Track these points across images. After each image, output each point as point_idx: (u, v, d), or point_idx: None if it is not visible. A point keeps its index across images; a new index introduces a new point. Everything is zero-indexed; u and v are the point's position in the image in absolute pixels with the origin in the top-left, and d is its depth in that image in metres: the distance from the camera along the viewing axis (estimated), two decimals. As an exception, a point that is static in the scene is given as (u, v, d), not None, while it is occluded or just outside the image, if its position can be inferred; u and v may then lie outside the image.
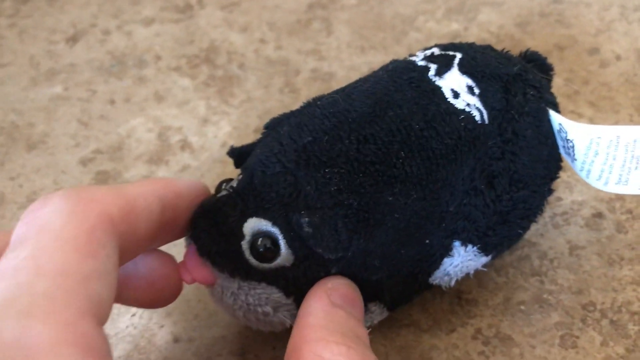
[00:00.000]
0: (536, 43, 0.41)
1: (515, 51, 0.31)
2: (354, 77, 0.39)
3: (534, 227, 0.30)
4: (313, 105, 0.28)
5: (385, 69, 0.29)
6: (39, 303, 0.18)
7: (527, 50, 0.31)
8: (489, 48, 0.30)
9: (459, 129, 0.26)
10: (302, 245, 0.24)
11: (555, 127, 0.27)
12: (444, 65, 0.28)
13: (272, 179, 0.25)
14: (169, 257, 0.27)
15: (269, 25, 0.43)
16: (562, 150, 0.28)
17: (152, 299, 0.26)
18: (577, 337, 0.28)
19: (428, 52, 0.29)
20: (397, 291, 0.27)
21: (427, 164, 0.26)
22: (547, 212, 0.32)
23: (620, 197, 0.33)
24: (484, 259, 0.28)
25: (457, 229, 0.27)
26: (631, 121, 0.36)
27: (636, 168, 0.26)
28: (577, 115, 0.37)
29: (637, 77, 0.38)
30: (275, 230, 0.25)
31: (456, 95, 0.27)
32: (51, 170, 0.36)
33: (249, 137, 0.37)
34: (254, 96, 0.39)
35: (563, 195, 0.33)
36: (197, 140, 0.37)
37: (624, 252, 0.31)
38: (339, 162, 0.25)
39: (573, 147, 0.27)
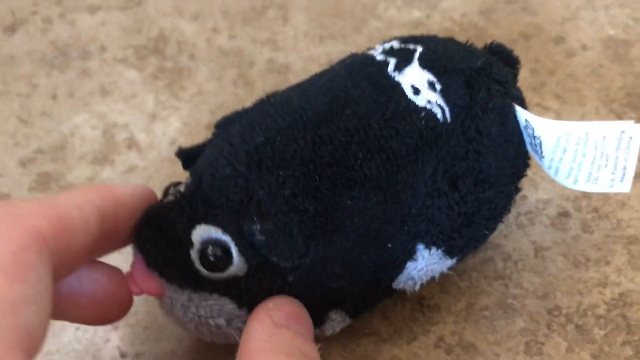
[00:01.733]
0: (501, 32, 0.39)
1: (479, 40, 0.30)
2: (312, 68, 0.37)
3: (497, 228, 0.29)
4: (266, 103, 0.26)
5: (342, 63, 0.27)
6: None
7: (492, 42, 0.29)
8: (451, 41, 0.28)
9: (420, 128, 0.25)
10: (256, 254, 0.23)
11: (522, 123, 0.26)
12: (403, 59, 0.26)
13: (221, 183, 0.24)
14: (117, 272, 0.25)
15: (222, 13, 0.40)
16: (529, 147, 0.27)
17: (100, 315, 0.25)
18: (542, 344, 0.27)
19: (387, 46, 0.28)
20: (359, 298, 0.25)
21: (387, 166, 0.24)
22: (512, 211, 0.31)
23: (587, 196, 0.32)
24: (449, 262, 0.27)
25: (421, 231, 0.25)
26: (597, 114, 0.35)
27: (606, 165, 0.25)
28: (542, 109, 0.36)
29: (603, 68, 0.37)
30: (226, 238, 0.23)
31: (417, 91, 0.25)
32: (-12, 171, 0.34)
33: (200, 133, 0.35)
34: (206, 89, 0.37)
35: (528, 193, 0.32)
36: (145, 138, 0.35)
37: (590, 253, 0.30)
38: (294, 165, 0.23)
39: (541, 144, 0.25)
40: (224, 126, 0.26)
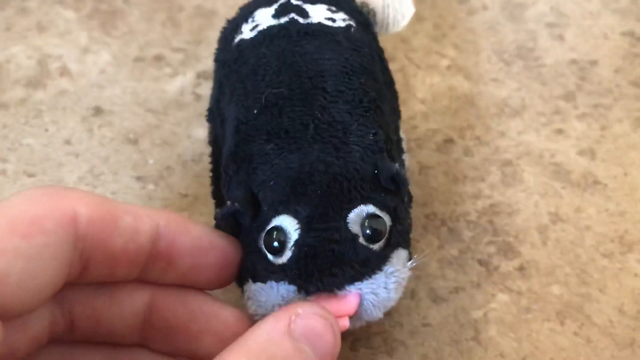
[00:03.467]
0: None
1: None
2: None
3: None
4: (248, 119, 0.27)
5: (266, 47, 0.28)
6: None
7: None
8: None
9: (362, 40, 0.29)
10: (385, 198, 0.25)
11: (359, 6, 0.33)
12: (295, 10, 0.29)
13: (324, 177, 0.24)
14: (243, 315, 0.24)
15: (157, -35, 0.44)
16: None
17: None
18: (417, 241, 0.31)
19: (270, 12, 0.30)
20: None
21: (378, 78, 0.29)
22: (403, 137, 0.35)
23: (471, 126, 0.36)
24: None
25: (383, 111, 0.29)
26: (489, 62, 0.39)
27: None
28: (440, 56, 0.39)
29: (499, 25, 0.42)
30: (368, 205, 0.24)
31: (332, 20, 0.29)
32: None
33: (128, 65, 0.38)
34: (136, 29, 0.40)
35: (419, 123, 0.36)
36: (77, 68, 0.38)
37: (468, 172, 0.34)
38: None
39: (375, 12, 0.32)
40: (240, 161, 0.26)
